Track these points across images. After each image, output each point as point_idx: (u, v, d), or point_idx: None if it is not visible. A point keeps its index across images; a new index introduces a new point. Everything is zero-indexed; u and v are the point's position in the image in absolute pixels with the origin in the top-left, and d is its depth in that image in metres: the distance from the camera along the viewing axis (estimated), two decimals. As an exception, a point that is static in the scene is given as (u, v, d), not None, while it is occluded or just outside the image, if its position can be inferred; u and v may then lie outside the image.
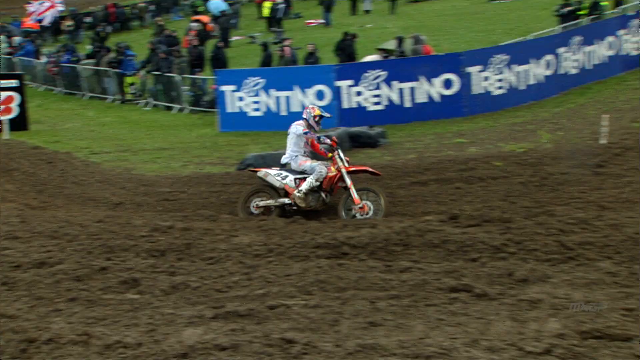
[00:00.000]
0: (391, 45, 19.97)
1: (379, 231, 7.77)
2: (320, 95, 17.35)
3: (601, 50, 19.87)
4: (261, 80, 17.80)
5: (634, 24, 20.45)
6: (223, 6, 31.31)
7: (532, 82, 18.38)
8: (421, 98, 17.30)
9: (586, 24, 21.99)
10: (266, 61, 20.61)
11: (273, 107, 17.74)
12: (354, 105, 17.37)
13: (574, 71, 19.22)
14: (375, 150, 14.63)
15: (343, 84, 17.35)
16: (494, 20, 28.92)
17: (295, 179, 9.78)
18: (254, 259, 7.25)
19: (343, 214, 9.51)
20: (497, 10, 31.08)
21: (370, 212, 9.39)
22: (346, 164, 9.71)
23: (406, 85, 17.27)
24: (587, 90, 18.89)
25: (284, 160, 10.03)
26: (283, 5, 31.10)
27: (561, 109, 17.13)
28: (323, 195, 9.75)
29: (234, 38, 29.33)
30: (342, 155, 9.78)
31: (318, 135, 10.00)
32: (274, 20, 30.43)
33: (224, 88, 18.25)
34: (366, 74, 17.27)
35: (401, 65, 17.94)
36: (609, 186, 9.73)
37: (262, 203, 9.90)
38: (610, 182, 9.92)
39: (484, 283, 6.10)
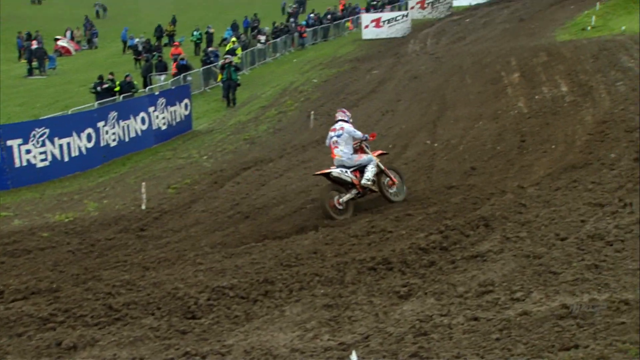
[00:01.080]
0: None
1: None
2: None
3: (136, 125, 20.68)
4: None
5: (161, 102, 21.87)
6: None
7: (75, 154, 18.11)
8: (-43, 173, 15.63)
9: (121, 101, 22.71)
10: None
11: None
12: None
13: (114, 143, 19.55)
14: None
15: None
16: (32, 94, 27.88)
17: (351, 172, 10.53)
18: None
19: (389, 195, 10.74)
20: (35, 85, 30.04)
21: (395, 188, 10.89)
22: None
23: (-64, 161, 15.41)
24: (127, 160, 19.36)
25: (342, 160, 10.57)
26: None
27: (105, 178, 17.21)
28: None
29: None
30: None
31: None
32: None
33: None
34: None
35: None
36: (150, 247, 10.04)
37: (345, 198, 10.28)
38: (152, 244, 10.26)
39: (31, 357, 5.65)
